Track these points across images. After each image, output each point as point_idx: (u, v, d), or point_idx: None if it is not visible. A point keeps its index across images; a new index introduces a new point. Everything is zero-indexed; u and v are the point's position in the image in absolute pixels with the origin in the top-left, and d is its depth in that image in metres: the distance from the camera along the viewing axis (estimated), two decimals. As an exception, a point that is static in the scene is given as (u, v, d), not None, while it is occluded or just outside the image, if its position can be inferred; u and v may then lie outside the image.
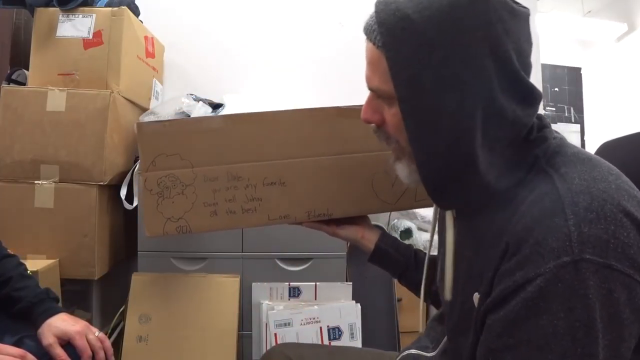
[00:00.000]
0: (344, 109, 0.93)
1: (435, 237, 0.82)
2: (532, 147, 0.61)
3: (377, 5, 0.61)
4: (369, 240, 0.94)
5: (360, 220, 0.96)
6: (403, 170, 0.69)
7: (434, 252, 0.84)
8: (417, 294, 0.99)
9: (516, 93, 0.58)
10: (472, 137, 0.58)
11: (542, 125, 0.64)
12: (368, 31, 0.62)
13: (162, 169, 0.89)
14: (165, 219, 0.90)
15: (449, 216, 0.71)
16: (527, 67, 0.59)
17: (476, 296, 0.60)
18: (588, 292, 0.49)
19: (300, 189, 0.93)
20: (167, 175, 0.90)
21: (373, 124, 0.68)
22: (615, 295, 0.50)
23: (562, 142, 0.62)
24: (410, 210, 1.91)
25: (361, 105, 0.93)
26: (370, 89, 0.65)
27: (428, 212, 1.89)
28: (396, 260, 0.94)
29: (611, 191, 0.54)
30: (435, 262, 0.96)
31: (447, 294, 0.68)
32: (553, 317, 0.50)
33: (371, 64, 0.63)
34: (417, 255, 0.95)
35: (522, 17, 0.58)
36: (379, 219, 1.83)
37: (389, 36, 0.58)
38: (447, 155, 0.59)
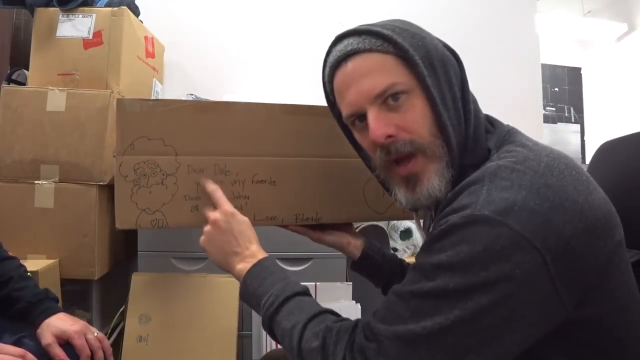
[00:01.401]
0: None
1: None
2: (487, 140, 0.65)
3: (356, 29, 0.65)
4: (355, 246, 0.92)
5: (345, 226, 0.94)
6: (434, 180, 0.63)
7: None
8: None
9: None
10: (477, 110, 0.66)
11: (492, 120, 0.69)
12: (356, 49, 0.64)
13: (141, 153, 0.79)
14: (140, 211, 0.80)
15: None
16: None
17: None
18: (477, 241, 0.51)
19: (291, 190, 0.86)
20: (147, 161, 0.79)
21: (382, 141, 0.63)
22: (509, 253, 0.50)
23: (513, 132, 0.65)
24: (410, 210, 1.90)
25: None
26: (379, 94, 0.62)
27: (428, 212, 1.89)
28: (383, 268, 0.92)
29: (538, 168, 0.55)
30: None
31: None
32: (442, 252, 0.54)
33: (373, 71, 0.63)
34: (402, 264, 0.94)
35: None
36: (379, 219, 1.82)
37: (389, 33, 0.62)
38: (464, 127, 0.64)
